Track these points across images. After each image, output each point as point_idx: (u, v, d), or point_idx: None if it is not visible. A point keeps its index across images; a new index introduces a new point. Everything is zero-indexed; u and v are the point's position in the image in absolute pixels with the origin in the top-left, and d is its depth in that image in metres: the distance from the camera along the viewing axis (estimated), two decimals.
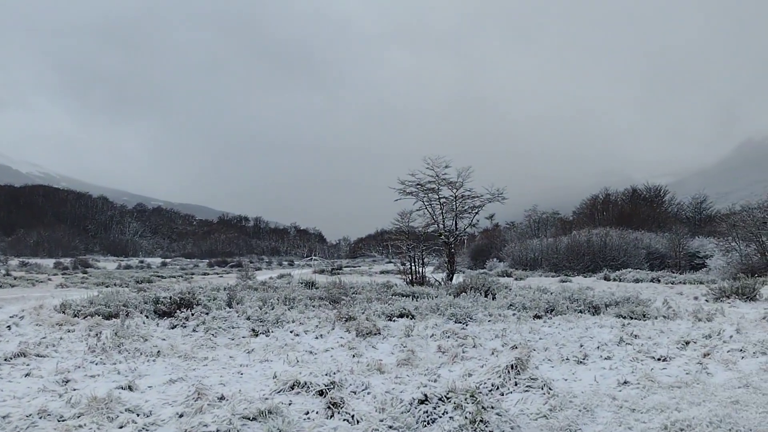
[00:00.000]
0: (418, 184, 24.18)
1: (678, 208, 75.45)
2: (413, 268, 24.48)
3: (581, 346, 9.06)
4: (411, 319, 12.17)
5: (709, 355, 8.17)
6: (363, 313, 12.23)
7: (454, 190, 24.23)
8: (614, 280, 35.57)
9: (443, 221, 24.54)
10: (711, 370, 7.29)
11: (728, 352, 8.38)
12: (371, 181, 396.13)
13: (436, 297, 16.00)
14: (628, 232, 48.87)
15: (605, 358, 8.14)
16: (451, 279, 24.19)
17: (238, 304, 13.61)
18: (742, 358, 8.06)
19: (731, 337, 9.52)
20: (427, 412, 4.91)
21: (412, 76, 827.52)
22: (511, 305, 14.44)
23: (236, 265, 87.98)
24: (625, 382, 6.61)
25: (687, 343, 9.07)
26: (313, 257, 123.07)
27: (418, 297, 16.48)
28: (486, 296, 16.61)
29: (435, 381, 6.17)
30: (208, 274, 54.89)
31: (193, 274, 52.17)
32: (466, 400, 4.89)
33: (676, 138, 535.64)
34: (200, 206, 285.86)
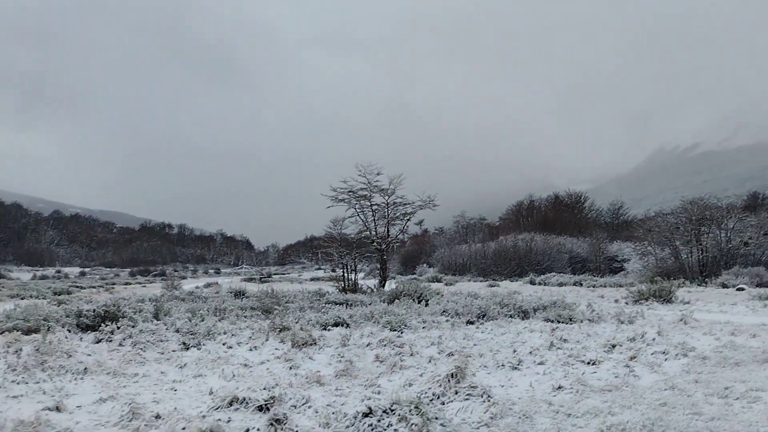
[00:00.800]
0: (350, 191, 24.17)
1: (597, 214, 78.57)
2: (346, 275, 24.44)
3: (515, 351, 9.24)
4: (346, 328, 12.11)
5: (635, 358, 8.51)
6: (297, 322, 12.08)
7: (386, 197, 24.37)
8: (539, 284, 36.65)
9: (375, 228, 24.62)
10: (638, 373, 7.59)
11: (652, 354, 8.75)
12: (300, 187, 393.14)
13: (370, 304, 15.99)
14: (551, 237, 50.47)
15: (538, 363, 8.33)
16: (383, 285, 24.27)
17: (165, 315, 13.18)
18: (666, 360, 8.44)
19: (653, 339, 9.94)
20: (371, 425, 4.87)
21: (342, 83, 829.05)
22: (444, 311, 14.60)
23: (160, 274, 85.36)
24: (560, 387, 6.78)
25: (613, 346, 9.41)
26: (243, 265, 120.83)
27: (351, 305, 16.44)
28: (419, 303, 16.75)
29: (378, 393, 6.13)
30: (131, 283, 53.00)
31: (114, 284, 50.26)
32: (410, 411, 4.89)
33: (594, 146, 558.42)
34: (121, 213, 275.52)
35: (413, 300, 17.07)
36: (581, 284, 33.88)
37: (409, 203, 24.68)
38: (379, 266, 25.73)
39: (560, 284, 34.92)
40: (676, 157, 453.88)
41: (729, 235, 35.87)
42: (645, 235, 39.96)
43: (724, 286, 28.77)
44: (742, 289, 25.65)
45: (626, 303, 19.83)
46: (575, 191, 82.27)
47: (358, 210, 24.64)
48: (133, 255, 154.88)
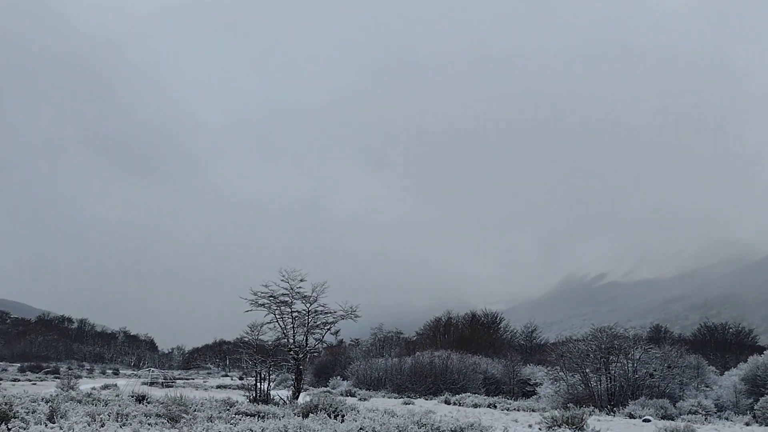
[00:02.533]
0: (271, 296, 23.73)
1: (512, 335, 79.91)
2: (258, 384, 23.45)
3: None
4: None
5: None
6: None
7: (308, 305, 24.04)
8: (455, 403, 36.27)
9: (294, 336, 24.04)
10: None
11: None
12: (211, 289, 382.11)
13: (283, 417, 15.31)
14: (467, 356, 50.63)
15: None
16: (297, 397, 23.39)
17: (61, 418, 12.12)
18: None
19: None
20: None
21: (264, 184, 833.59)
22: (361, 429, 14.12)
23: (53, 371, 79.29)
24: None
25: None
26: (149, 368, 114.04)
27: (264, 417, 15.69)
28: (335, 418, 16.17)
29: None
30: (19, 380, 48.84)
31: (0, 379, 46.15)
32: None
33: (510, 267, 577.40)
34: (16, 303, 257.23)
35: (328, 415, 16.48)
36: (495, 406, 33.77)
37: (331, 312, 24.45)
38: (292, 376, 24.92)
39: (475, 405, 34.67)
40: (584, 285, 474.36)
41: (636, 365, 37.08)
42: (558, 360, 40.72)
43: (631, 416, 29.37)
44: (648, 420, 26.24)
45: (539, 429, 19.85)
46: (491, 311, 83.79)
47: (278, 316, 24.12)
48: (25, 349, 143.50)
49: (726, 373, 53.14)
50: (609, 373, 36.55)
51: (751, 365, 44.49)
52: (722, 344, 77.12)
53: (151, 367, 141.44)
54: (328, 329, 24.79)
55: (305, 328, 24.25)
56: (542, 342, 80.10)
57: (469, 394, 40.44)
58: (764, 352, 47.79)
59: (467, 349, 57.02)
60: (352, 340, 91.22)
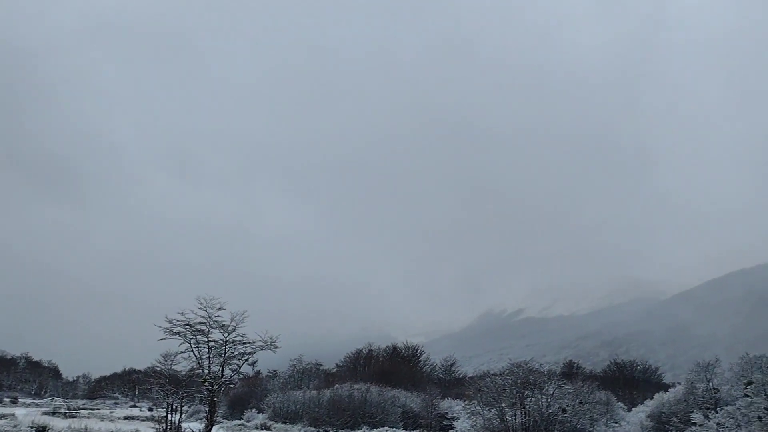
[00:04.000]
0: (187, 324, 22.94)
1: (431, 369, 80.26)
2: (168, 416, 22.49)
3: None
4: None
5: None
6: None
7: (226, 334, 23.38)
8: None
9: (209, 366, 23.27)
10: None
11: None
12: (122, 316, 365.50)
13: None
14: (387, 389, 50.42)
15: None
16: (209, 430, 22.56)
17: None
18: None
19: None
20: None
21: (186, 209, 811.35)
22: None
23: None
24: None
25: None
26: (51, 397, 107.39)
27: None
28: None
29: None
30: None
31: None
32: None
33: (431, 300, 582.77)
34: None
35: None
36: None
37: (249, 342, 23.85)
38: (206, 408, 24.07)
39: None
40: (503, 320, 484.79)
41: (549, 400, 37.96)
42: (475, 394, 41.18)
43: None
44: None
45: None
46: (412, 344, 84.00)
47: (194, 345, 23.32)
48: None
49: (633, 409, 55.19)
50: (524, 407, 37.22)
51: (656, 402, 46.35)
52: (630, 381, 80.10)
53: (54, 395, 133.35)
54: (246, 360, 24.17)
55: (222, 359, 23.54)
56: (461, 376, 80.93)
57: (387, 428, 40.23)
58: (669, 389, 50.01)
59: (387, 383, 56.83)
60: (269, 372, 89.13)
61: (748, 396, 30.37)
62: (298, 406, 50.09)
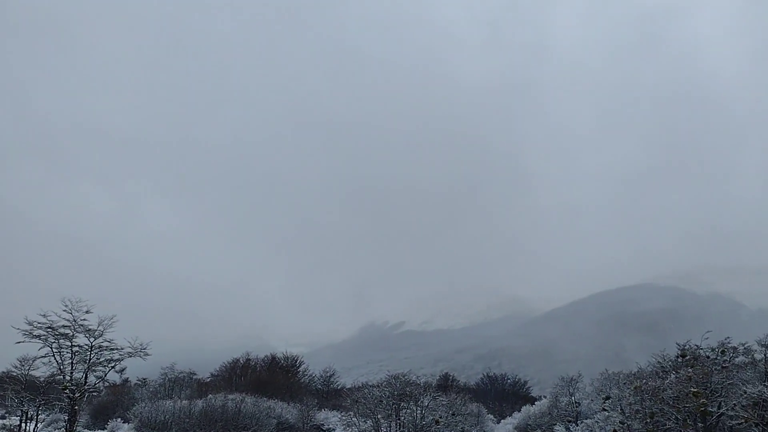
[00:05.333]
0: (49, 327, 21.36)
1: (310, 380, 79.67)
2: (23, 425, 20.78)
3: None
4: None
5: None
6: None
7: (92, 339, 21.99)
8: None
9: (72, 372, 21.76)
10: None
11: None
12: None
13: None
14: (263, 400, 49.44)
15: None
16: None
17: None
18: None
19: None
20: None
21: (58, 204, 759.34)
22: None
23: None
24: None
25: None
26: None
27: None
28: None
29: None
30: None
31: None
32: None
33: (314, 311, 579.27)
34: None
35: None
36: None
37: (117, 349, 22.58)
38: (65, 417, 22.48)
39: None
40: (384, 332, 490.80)
41: (424, 412, 38.75)
42: (352, 405, 41.27)
43: None
44: None
45: None
46: (292, 354, 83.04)
47: (55, 350, 21.74)
48: None
49: (502, 421, 57.56)
50: (399, 419, 37.74)
51: (523, 414, 48.57)
52: (501, 394, 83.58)
53: None
54: (113, 367, 22.86)
55: (86, 365, 22.12)
56: (339, 387, 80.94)
57: None
58: (535, 402, 52.57)
59: (264, 393, 55.78)
60: (139, 380, 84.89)
61: (605, 410, 32.44)
62: (167, 417, 47.91)
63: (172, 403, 51.41)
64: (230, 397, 49.46)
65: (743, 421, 24.96)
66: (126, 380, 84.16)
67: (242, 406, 46.53)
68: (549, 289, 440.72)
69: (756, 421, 24.83)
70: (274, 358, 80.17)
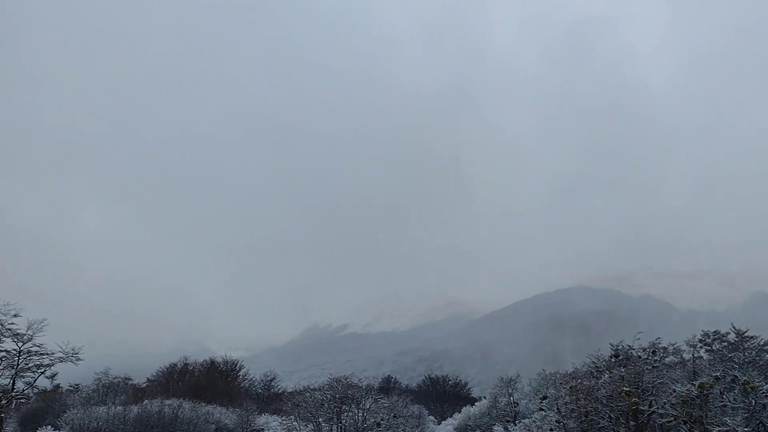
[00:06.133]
0: None
1: (250, 384, 78.55)
2: None
3: None
4: None
5: None
6: None
7: (20, 344, 21.06)
8: None
9: None
10: None
11: None
12: None
13: None
14: (201, 405, 48.50)
15: None
16: None
17: None
18: None
19: None
20: None
21: None
22: None
23: None
24: None
25: None
26: None
27: None
28: None
29: None
30: None
31: None
32: None
33: (256, 314, 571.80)
34: None
35: None
36: None
37: (47, 353, 21.70)
38: None
39: None
40: (327, 335, 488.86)
41: (365, 415, 38.73)
42: (293, 409, 40.90)
43: None
44: None
45: None
46: (232, 358, 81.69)
47: None
48: None
49: (443, 422, 58.11)
50: (340, 422, 37.63)
51: (463, 415, 49.14)
52: (442, 395, 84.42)
53: None
54: (42, 372, 21.94)
55: (14, 371, 21.17)
56: (280, 391, 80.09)
57: None
58: (475, 403, 53.27)
59: (202, 398, 54.74)
60: (71, 386, 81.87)
61: (542, 410, 33.14)
62: (100, 423, 46.38)
63: (105, 410, 49.81)
64: (167, 402, 48.28)
65: (672, 419, 25.95)
66: (57, 386, 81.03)
67: (179, 412, 45.50)
68: (489, 292, 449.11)
69: (684, 419, 25.84)
70: (213, 362, 78.70)
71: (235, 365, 79.46)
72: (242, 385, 75.83)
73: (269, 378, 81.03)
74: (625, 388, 26.53)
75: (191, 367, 77.27)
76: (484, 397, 53.26)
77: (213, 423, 47.06)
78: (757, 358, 30.35)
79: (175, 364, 77.75)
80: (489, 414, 42.45)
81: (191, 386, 65.99)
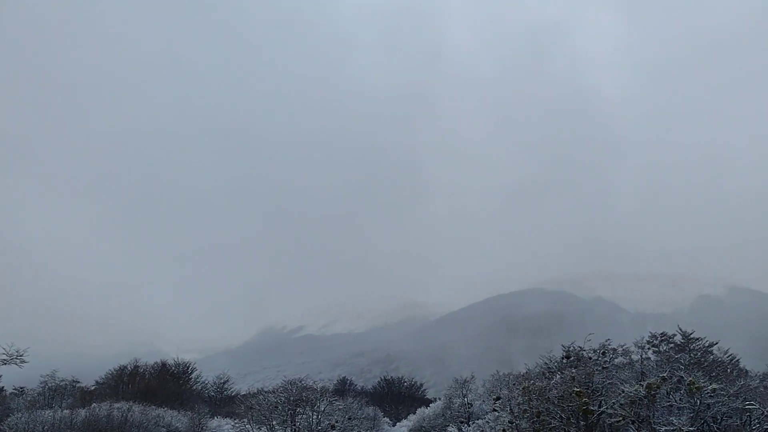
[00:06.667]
0: None
1: (203, 387, 77.35)
2: None
3: None
4: None
5: None
6: None
7: None
8: None
9: None
10: None
11: None
12: None
13: None
14: (151, 408, 47.51)
15: None
16: None
17: None
18: None
19: None
20: None
21: None
22: None
23: None
24: None
25: None
26: None
27: None
28: None
29: None
30: None
31: None
32: None
33: (209, 315, 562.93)
34: None
35: None
36: None
37: None
38: None
39: None
40: (283, 336, 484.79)
41: (320, 417, 38.53)
42: (246, 412, 40.41)
43: None
44: None
45: None
46: (184, 360, 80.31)
47: None
48: None
49: (398, 424, 58.24)
50: (294, 425, 37.37)
51: (418, 417, 49.33)
52: (398, 397, 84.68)
53: None
54: None
55: None
56: (233, 394, 79.09)
57: None
58: (430, 404, 53.54)
59: (153, 401, 53.62)
60: (15, 389, 79.18)
61: (496, 410, 33.52)
62: (46, 428, 44.97)
63: (51, 414, 48.30)
64: (116, 405, 47.15)
65: (621, 418, 26.57)
66: (1, 389, 78.25)
67: (129, 415, 44.50)
68: (445, 294, 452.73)
69: (632, 419, 26.48)
70: (164, 364, 77.18)
71: (188, 367, 78.11)
72: (194, 387, 74.61)
73: (222, 380, 79.92)
74: (575, 389, 27.06)
75: (142, 370, 75.63)
76: (439, 399, 53.59)
77: (164, 426, 46.13)
78: (702, 359, 31.37)
79: (125, 367, 76.00)
80: (443, 415, 42.73)
81: (141, 389, 64.62)
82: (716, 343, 33.92)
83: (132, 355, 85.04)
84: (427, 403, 65.81)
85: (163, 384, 67.66)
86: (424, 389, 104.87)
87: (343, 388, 78.29)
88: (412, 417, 53.87)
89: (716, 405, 25.63)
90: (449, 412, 42.04)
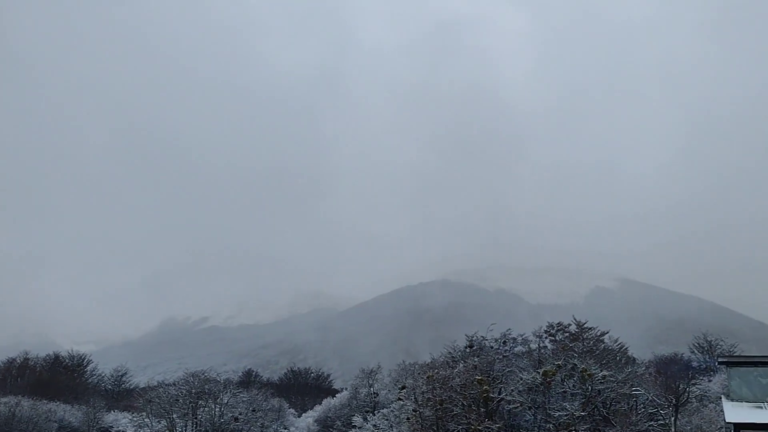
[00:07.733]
0: None
1: (99, 379, 74.24)
2: None
3: None
4: None
5: None
6: None
7: None
8: None
9: None
10: None
11: None
12: None
13: None
14: (42, 403, 45.14)
15: None
16: None
17: None
18: None
19: None
20: None
21: None
22: None
23: None
24: None
25: None
26: None
27: None
28: None
29: None
30: None
31: None
32: None
33: (108, 305, 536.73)
34: None
35: None
36: None
37: None
38: None
39: None
40: (186, 328, 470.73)
41: (223, 410, 37.84)
42: (145, 405, 39.11)
43: None
44: None
45: None
46: (79, 352, 76.75)
47: None
48: None
49: (304, 414, 58.09)
50: (196, 418, 36.55)
51: (324, 407, 49.47)
52: (304, 388, 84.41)
53: None
54: None
55: None
56: (132, 387, 76.35)
57: None
58: (336, 395, 53.79)
59: (45, 395, 50.92)
60: None
61: (401, 399, 34.12)
62: None
63: None
64: (3, 400, 44.48)
65: (519, 405, 27.73)
66: None
67: (17, 410, 42.09)
68: (353, 286, 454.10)
69: (529, 405, 27.70)
70: (57, 357, 73.45)
71: (83, 360, 74.81)
72: (90, 380, 71.49)
73: (120, 373, 76.92)
74: (477, 377, 27.98)
75: (32, 362, 71.61)
76: (346, 389, 53.91)
77: (56, 421, 43.98)
78: (594, 348, 33.25)
79: (14, 359, 71.69)
80: (349, 405, 43.06)
81: (32, 383, 61.18)
82: (607, 332, 36.08)
83: (21, 347, 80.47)
84: (333, 393, 66.05)
85: (56, 377, 64.46)
86: (331, 380, 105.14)
87: (248, 380, 77.16)
88: (318, 408, 53.89)
89: (606, 391, 27.27)
90: (355, 402, 42.39)
